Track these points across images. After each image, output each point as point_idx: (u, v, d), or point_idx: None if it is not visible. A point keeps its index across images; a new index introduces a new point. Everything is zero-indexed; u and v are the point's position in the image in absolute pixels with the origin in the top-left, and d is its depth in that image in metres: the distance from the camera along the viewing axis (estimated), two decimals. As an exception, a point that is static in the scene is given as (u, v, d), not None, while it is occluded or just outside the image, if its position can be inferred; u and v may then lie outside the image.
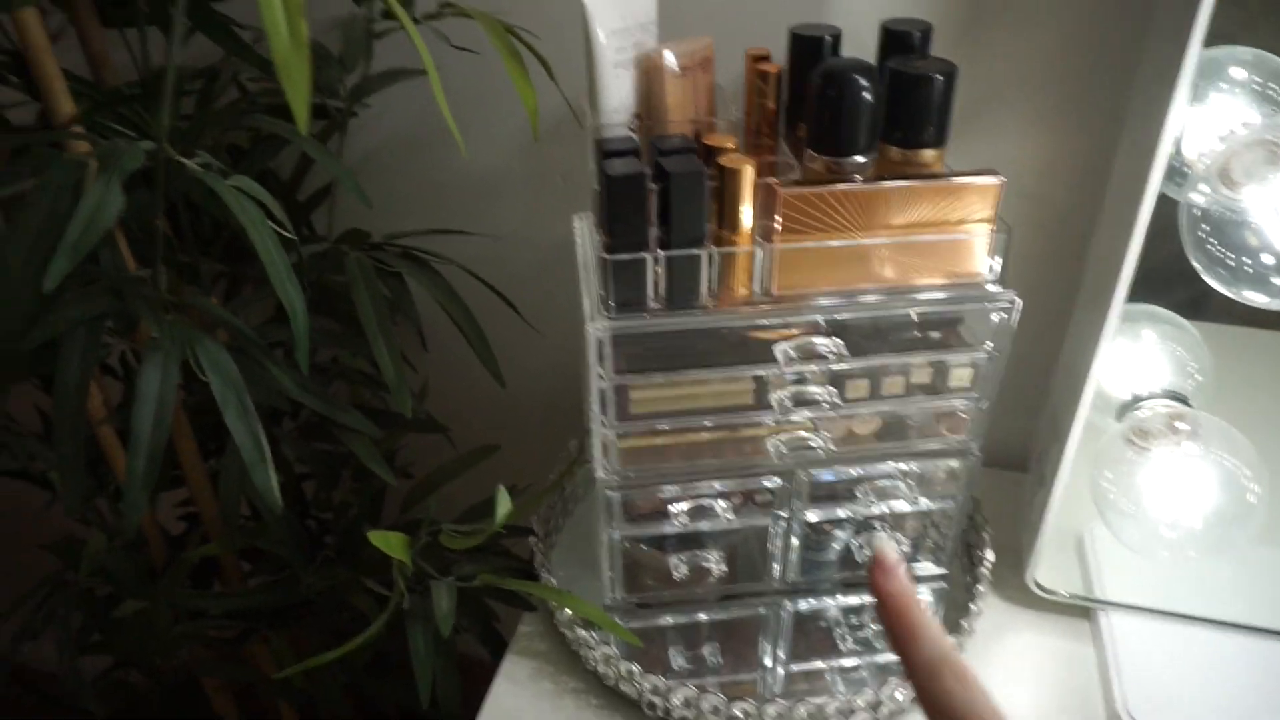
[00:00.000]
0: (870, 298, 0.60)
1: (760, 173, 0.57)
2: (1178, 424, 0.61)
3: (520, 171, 0.86)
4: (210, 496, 0.75)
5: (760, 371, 0.61)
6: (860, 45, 0.63)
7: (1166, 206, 0.58)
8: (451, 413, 1.01)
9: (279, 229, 0.54)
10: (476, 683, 0.74)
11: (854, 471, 0.68)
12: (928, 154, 0.58)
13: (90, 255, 0.48)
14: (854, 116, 0.56)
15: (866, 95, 0.55)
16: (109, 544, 0.74)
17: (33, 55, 0.57)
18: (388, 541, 0.58)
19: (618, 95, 0.62)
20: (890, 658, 0.71)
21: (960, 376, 0.64)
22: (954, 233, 0.58)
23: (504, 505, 0.60)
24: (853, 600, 0.76)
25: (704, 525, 0.68)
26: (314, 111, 0.79)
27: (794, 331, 0.60)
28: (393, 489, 0.95)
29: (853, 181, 0.56)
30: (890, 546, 0.35)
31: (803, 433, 0.65)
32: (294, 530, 0.75)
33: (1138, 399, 0.65)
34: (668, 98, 0.62)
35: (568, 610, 0.69)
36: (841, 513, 0.71)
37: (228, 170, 0.54)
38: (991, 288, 0.60)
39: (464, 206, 0.89)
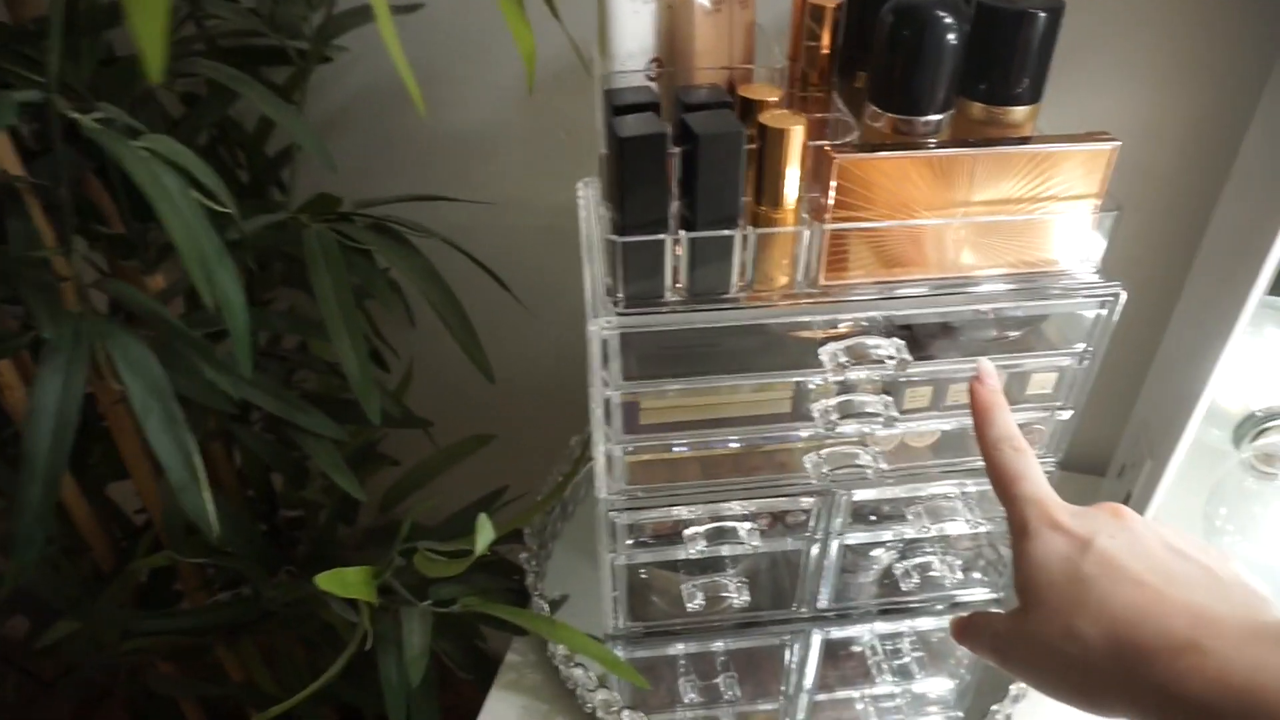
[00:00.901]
0: (938, 291, 0.48)
1: (810, 134, 0.45)
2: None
3: (518, 127, 0.74)
4: (91, 520, 0.65)
5: (801, 378, 0.51)
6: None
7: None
8: (443, 398, 0.90)
9: (208, 201, 0.43)
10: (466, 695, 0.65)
11: (903, 491, 0.58)
12: (1018, 112, 0.47)
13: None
14: (931, 64, 0.44)
15: (950, 37, 0.43)
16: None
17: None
18: (343, 583, 0.48)
19: (634, 36, 0.50)
20: (927, 685, 0.63)
21: (1042, 382, 0.53)
22: (1048, 211, 0.46)
23: (484, 535, 0.49)
24: (890, 627, 0.66)
25: (724, 550, 0.58)
26: (271, 55, 0.67)
27: (844, 330, 0.49)
28: (374, 481, 0.85)
29: (926, 145, 0.45)
30: (990, 365, 0.44)
31: (848, 448, 0.54)
32: (252, 541, 0.65)
33: (1257, 415, 0.54)
34: (696, 40, 0.50)
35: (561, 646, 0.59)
36: (887, 535, 0.60)
37: (138, 128, 0.42)
38: (1089, 279, 0.49)
39: (452, 168, 0.78)
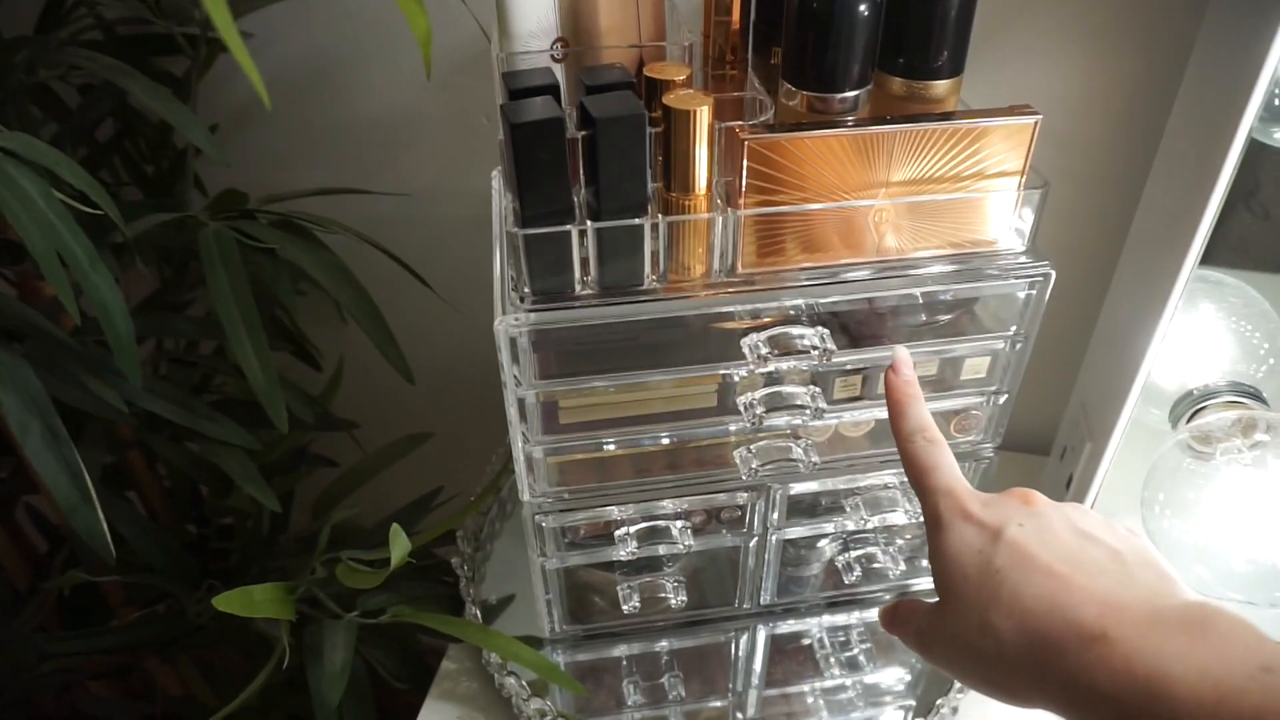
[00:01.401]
0: (863, 275, 0.46)
1: (721, 114, 0.43)
2: (1257, 434, 0.49)
3: (435, 113, 0.71)
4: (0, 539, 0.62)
5: (722, 371, 0.48)
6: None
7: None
8: (377, 397, 0.87)
9: (73, 204, 0.40)
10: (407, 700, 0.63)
11: (841, 483, 0.56)
12: (939, 87, 0.45)
13: None
14: (844, 37, 0.42)
15: (863, 8, 0.41)
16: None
17: None
18: (249, 603, 0.45)
19: (535, 14, 0.47)
20: (878, 676, 0.62)
21: (975, 367, 0.52)
22: (973, 189, 0.44)
23: (399, 547, 0.47)
24: (839, 619, 0.64)
25: (659, 549, 0.56)
26: (163, 44, 0.64)
27: (766, 320, 0.47)
28: (310, 483, 0.82)
29: (842, 124, 0.42)
30: (905, 354, 0.43)
31: (778, 441, 0.52)
32: (171, 554, 0.62)
33: (1194, 394, 0.52)
34: (601, 17, 0.48)
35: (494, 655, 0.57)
36: (827, 528, 0.58)
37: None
38: (1018, 258, 0.47)
39: (374, 157, 0.74)
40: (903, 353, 0.43)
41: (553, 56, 0.48)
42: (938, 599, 0.37)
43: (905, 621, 0.39)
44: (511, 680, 0.58)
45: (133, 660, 0.75)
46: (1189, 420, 0.52)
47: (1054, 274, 0.47)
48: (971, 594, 0.34)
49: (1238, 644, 0.28)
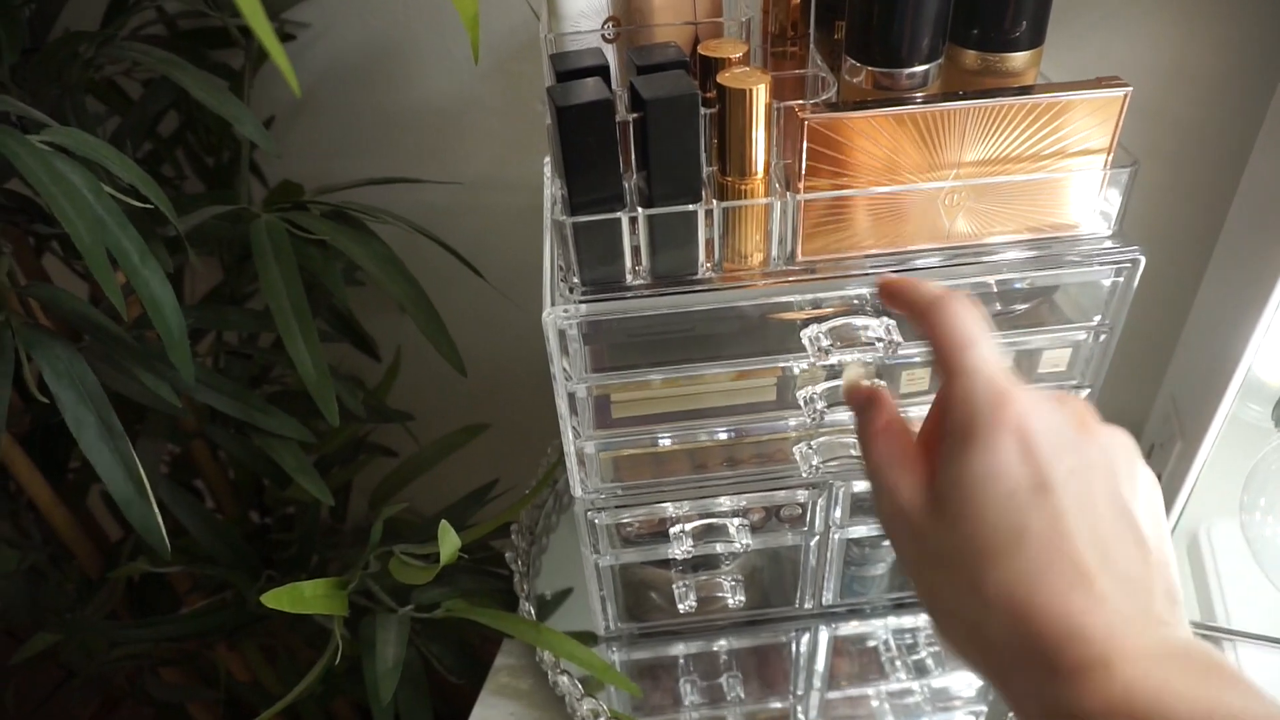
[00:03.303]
0: (932, 263, 0.43)
1: (781, 93, 0.41)
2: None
3: (489, 99, 0.70)
4: (72, 528, 0.63)
5: (783, 363, 0.46)
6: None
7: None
8: (435, 387, 0.87)
9: (123, 198, 0.40)
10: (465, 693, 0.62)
11: (909, 481, 0.53)
12: (1018, 59, 0.41)
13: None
14: (912, 7, 0.39)
15: (931, -27, 0.38)
16: (17, 567, 0.62)
17: None
18: (298, 599, 0.45)
19: (586, -8, 0.45)
20: (946, 680, 0.59)
21: (1054, 360, 0.48)
22: (1053, 169, 0.41)
23: (449, 544, 0.46)
24: (906, 621, 0.62)
25: (716, 548, 0.54)
26: (215, 38, 0.64)
27: (828, 310, 0.44)
28: (368, 473, 0.83)
29: (911, 101, 0.40)
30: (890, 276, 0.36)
31: (841, 437, 0.50)
32: (232, 545, 0.62)
33: (1300, 388, 0.48)
34: (654, -7, 0.45)
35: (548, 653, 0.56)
36: (893, 527, 0.56)
37: (43, 121, 0.39)
38: (1104, 243, 0.44)
39: (429, 145, 0.74)
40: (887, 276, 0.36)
41: (604, 36, 0.46)
42: (934, 500, 0.31)
43: (893, 462, 0.33)
44: (564, 679, 0.56)
45: (200, 647, 0.76)
46: (1294, 418, 0.48)
47: (1143, 260, 0.43)
48: (982, 540, 0.29)
49: (1242, 693, 0.25)
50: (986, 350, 0.32)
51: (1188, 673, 0.26)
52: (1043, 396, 0.31)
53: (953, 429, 0.31)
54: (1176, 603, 0.29)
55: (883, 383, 0.47)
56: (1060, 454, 0.30)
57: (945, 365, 0.32)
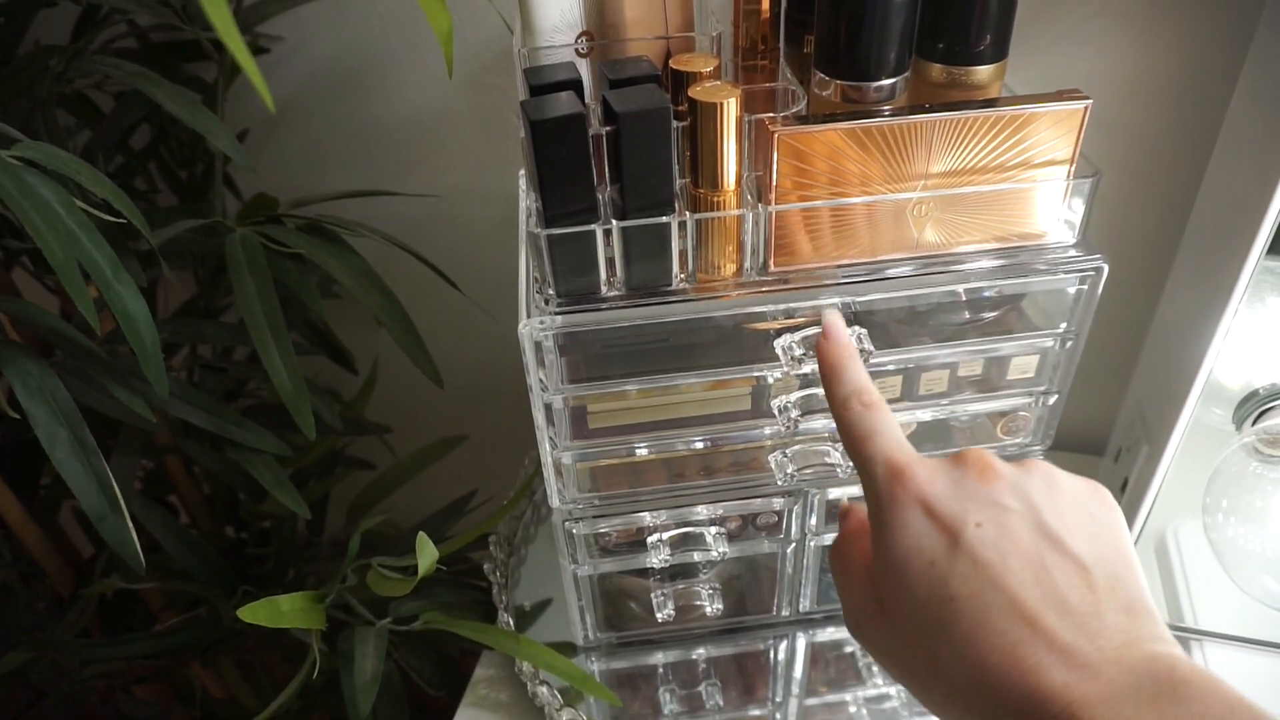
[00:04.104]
0: (902, 272, 0.44)
1: (752, 107, 0.41)
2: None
3: (465, 113, 0.70)
4: (43, 545, 0.62)
5: (757, 373, 0.47)
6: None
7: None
8: (414, 399, 0.87)
9: (95, 212, 0.40)
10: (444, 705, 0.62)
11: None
12: (982, 72, 0.42)
13: None
14: (879, 22, 0.40)
15: (897, -10, 0.39)
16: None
17: None
18: (274, 613, 0.45)
19: (559, 8, 0.46)
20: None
21: (1022, 366, 0.49)
22: (1019, 180, 0.42)
23: (426, 556, 0.46)
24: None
25: (694, 556, 0.54)
26: (188, 51, 0.64)
27: (801, 320, 0.45)
28: (345, 486, 0.82)
29: (879, 114, 0.40)
30: (837, 318, 0.39)
31: (816, 445, 0.50)
32: (206, 560, 0.62)
33: (1260, 393, 0.49)
34: (626, 9, 0.46)
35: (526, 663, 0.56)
36: (868, 534, 0.56)
37: (12, 136, 0.39)
38: (1068, 251, 0.45)
39: (398, 159, 0.74)
40: (833, 316, 0.39)
41: (577, 51, 0.47)
42: (879, 596, 0.31)
43: (848, 571, 0.34)
44: (544, 690, 0.57)
45: (175, 664, 0.75)
46: (1255, 421, 0.49)
47: (1107, 268, 0.44)
48: (921, 620, 0.29)
49: (1211, 716, 0.25)
50: (882, 438, 0.33)
51: (1155, 704, 0.25)
52: (939, 462, 0.32)
53: (871, 522, 0.32)
54: (1137, 613, 0.28)
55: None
56: (966, 508, 0.30)
57: (854, 464, 0.34)
